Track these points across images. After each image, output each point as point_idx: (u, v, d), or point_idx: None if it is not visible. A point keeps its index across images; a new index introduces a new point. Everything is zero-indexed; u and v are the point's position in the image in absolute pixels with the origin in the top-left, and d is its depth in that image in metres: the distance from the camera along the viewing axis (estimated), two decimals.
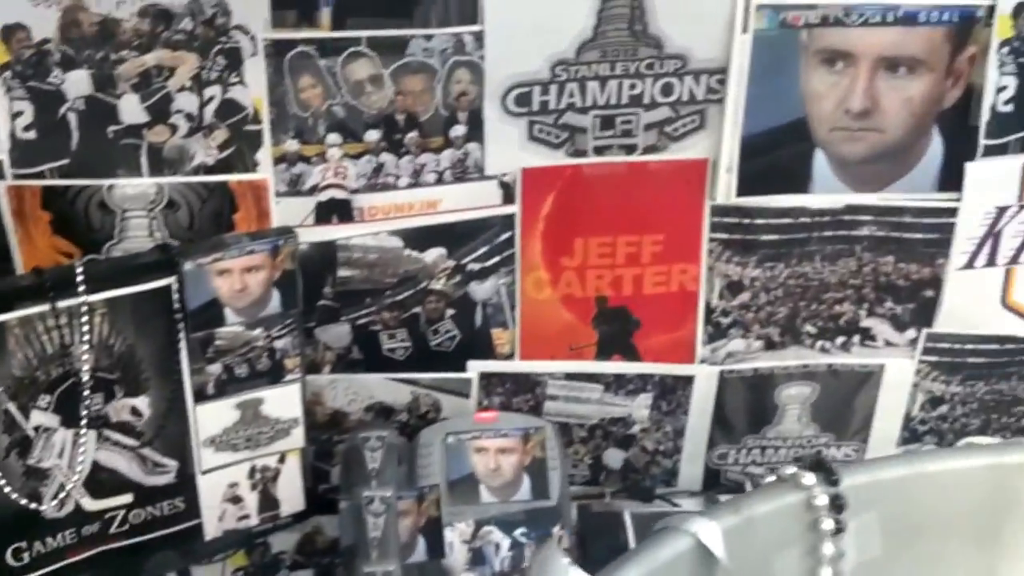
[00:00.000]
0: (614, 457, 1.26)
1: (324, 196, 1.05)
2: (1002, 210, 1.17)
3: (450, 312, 1.14)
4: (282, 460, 1.07)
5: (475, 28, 1.00)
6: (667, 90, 1.08)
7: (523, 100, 1.05)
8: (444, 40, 1.00)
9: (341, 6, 0.97)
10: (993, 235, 1.18)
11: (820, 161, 1.13)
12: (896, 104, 1.11)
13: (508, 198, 1.10)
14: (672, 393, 1.22)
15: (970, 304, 1.21)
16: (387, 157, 1.04)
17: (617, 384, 1.20)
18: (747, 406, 1.25)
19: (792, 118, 1.10)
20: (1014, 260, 1.20)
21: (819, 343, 1.22)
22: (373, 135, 1.03)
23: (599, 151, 1.10)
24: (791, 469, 0.82)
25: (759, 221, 1.15)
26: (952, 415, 1.27)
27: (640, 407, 1.22)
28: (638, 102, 1.08)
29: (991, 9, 1.07)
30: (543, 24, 1.02)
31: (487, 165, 1.07)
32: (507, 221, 1.11)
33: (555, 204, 1.11)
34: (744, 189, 1.13)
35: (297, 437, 1.06)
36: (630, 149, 1.10)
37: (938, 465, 0.89)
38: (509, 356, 1.18)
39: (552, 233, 1.13)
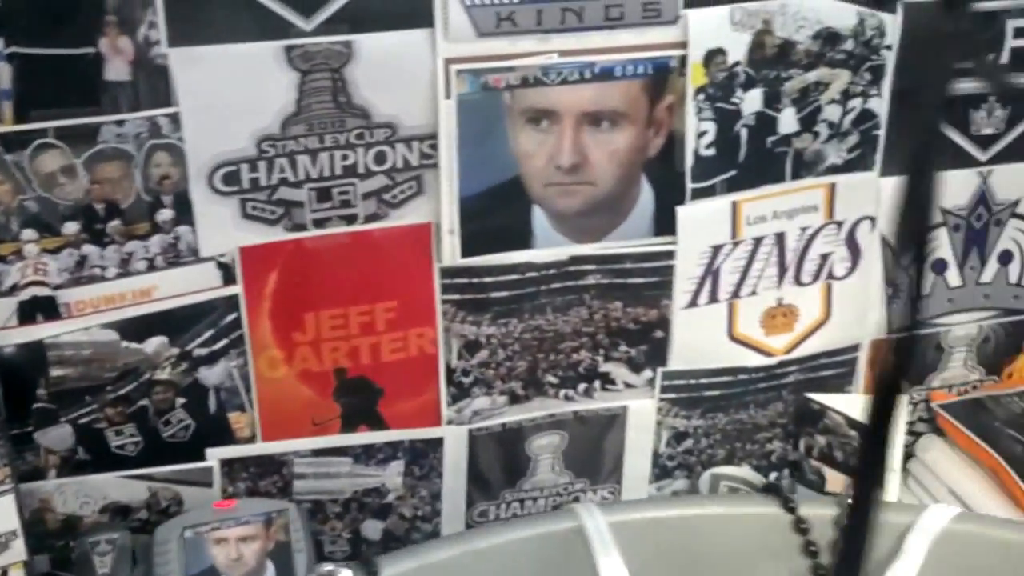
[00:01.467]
0: (372, 528, 1.24)
1: (26, 294, 1.00)
2: (717, 248, 1.22)
3: (181, 401, 1.10)
4: (4, 574, 1.01)
5: (170, 110, 0.99)
6: (380, 158, 1.08)
7: (231, 179, 1.04)
8: (138, 124, 0.98)
9: (23, 98, 0.94)
10: (712, 273, 1.23)
11: (539, 216, 1.16)
12: (604, 157, 1.15)
13: (229, 279, 1.08)
14: (424, 457, 1.21)
15: (699, 340, 1.26)
16: (90, 248, 1.01)
17: (367, 455, 1.19)
18: (500, 461, 1.26)
19: (507, 177, 1.13)
20: (735, 295, 1.26)
21: (562, 392, 1.24)
22: (71, 227, 0.99)
23: (319, 224, 1.09)
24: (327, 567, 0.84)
25: (488, 279, 1.17)
26: (698, 448, 1.32)
27: (393, 475, 1.22)
28: (353, 172, 1.08)
29: (683, 59, 1.13)
30: (243, 101, 1.01)
31: (201, 247, 1.05)
32: (230, 302, 1.09)
33: (279, 280, 1.10)
34: (470, 249, 1.14)
35: (18, 550, 1.00)
36: (351, 219, 1.10)
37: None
38: (250, 439, 1.15)
39: (280, 310, 1.11)
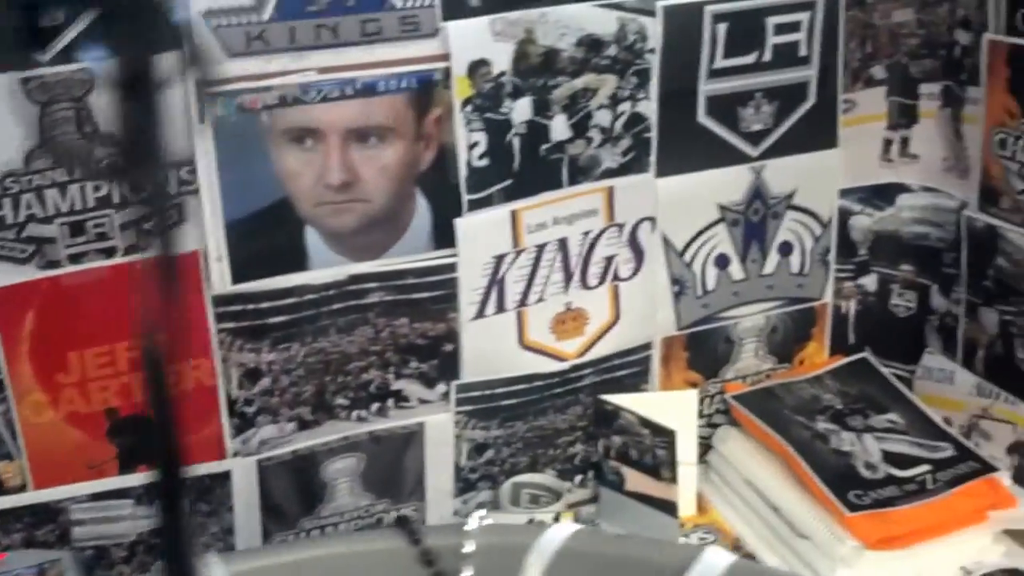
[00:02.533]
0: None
1: None
2: (500, 258, 1.22)
3: None
4: None
5: None
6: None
7: None
8: None
9: None
10: (497, 283, 1.23)
11: (313, 237, 1.13)
12: (374, 173, 1.13)
13: None
14: (210, 493, 1.18)
15: (490, 351, 1.26)
16: None
17: (148, 495, 1.15)
18: (295, 490, 1.23)
19: (274, 199, 1.10)
20: (523, 303, 1.26)
21: (355, 413, 1.22)
22: None
23: (75, 259, 1.05)
24: None
25: (265, 305, 1.14)
26: (499, 458, 1.31)
27: None
28: (107, 203, 1.04)
29: (447, 72, 1.13)
30: None
31: None
32: None
33: (37, 321, 1.05)
34: (241, 275, 1.11)
35: None
36: (109, 252, 1.06)
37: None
38: (21, 488, 1.10)
39: (40, 351, 1.06)
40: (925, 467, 1.27)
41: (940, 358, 1.40)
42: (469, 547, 0.86)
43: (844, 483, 1.24)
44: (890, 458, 1.29)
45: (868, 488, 1.24)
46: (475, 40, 1.13)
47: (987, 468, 1.27)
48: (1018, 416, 1.29)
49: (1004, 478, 1.27)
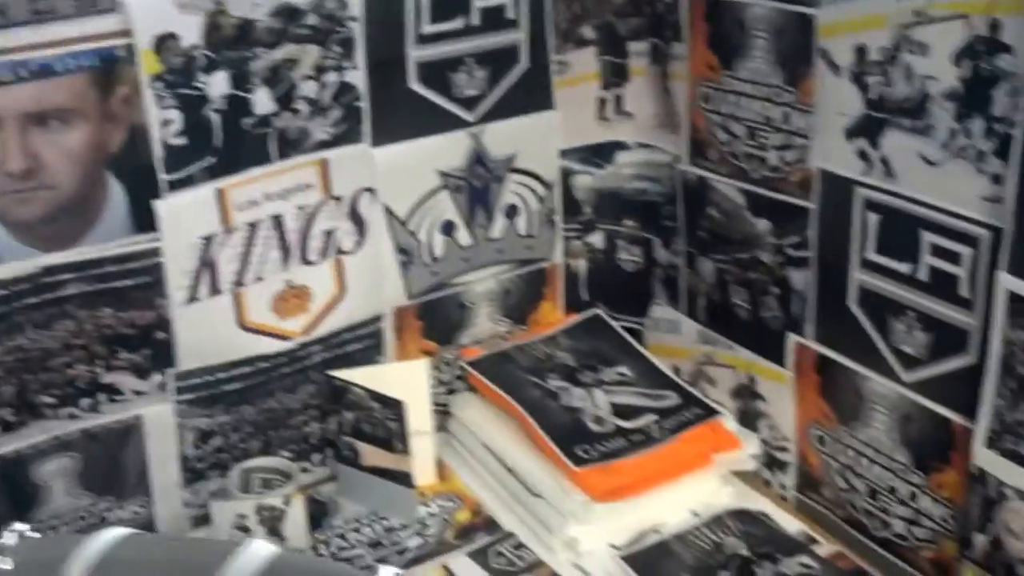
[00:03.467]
0: None
1: None
2: (208, 239, 1.18)
3: None
4: None
5: None
6: None
7: None
8: None
9: None
10: (208, 265, 1.19)
11: None
12: (59, 158, 1.07)
13: None
14: None
15: (208, 335, 1.21)
16: None
17: None
18: (5, 495, 1.16)
19: None
20: (239, 283, 1.22)
21: (64, 411, 1.15)
22: None
23: None
24: None
25: None
26: (229, 444, 1.27)
27: None
28: None
29: (130, 47, 1.07)
30: None
31: None
32: None
33: None
34: None
35: None
36: None
37: None
38: None
39: None
40: (651, 416, 1.31)
41: (666, 309, 1.45)
42: (6, 564, 0.80)
43: (573, 439, 1.27)
44: (618, 410, 1.32)
45: (596, 442, 1.27)
46: (158, 13, 1.07)
47: (710, 413, 1.32)
48: (738, 360, 1.34)
49: (728, 421, 1.32)
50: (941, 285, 1.06)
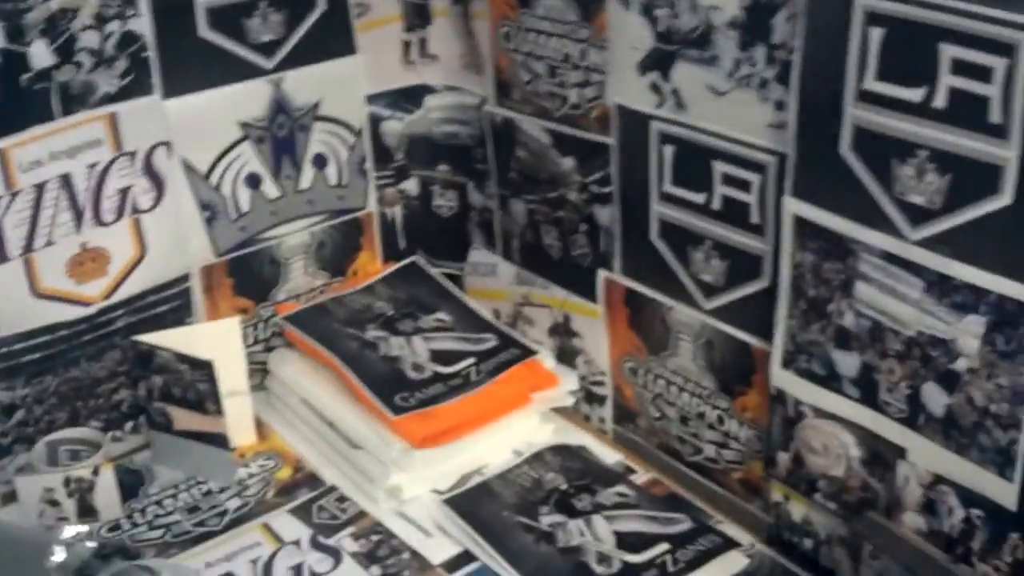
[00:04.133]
0: None
1: None
2: None
3: None
4: None
5: None
6: None
7: None
8: None
9: None
10: None
11: None
12: None
13: None
14: None
15: None
16: None
17: None
18: None
19: None
20: (28, 249, 1.16)
21: None
22: None
23: None
24: None
25: None
26: (33, 417, 1.22)
27: None
28: None
29: None
30: None
31: None
32: None
33: None
34: None
35: None
36: None
37: None
38: None
39: None
40: (470, 360, 1.31)
41: (484, 252, 1.44)
42: None
43: (391, 388, 1.26)
44: (437, 356, 1.31)
45: (414, 389, 1.26)
46: None
47: (528, 353, 1.32)
48: (553, 299, 1.35)
49: (546, 360, 1.33)
50: (734, 213, 1.08)
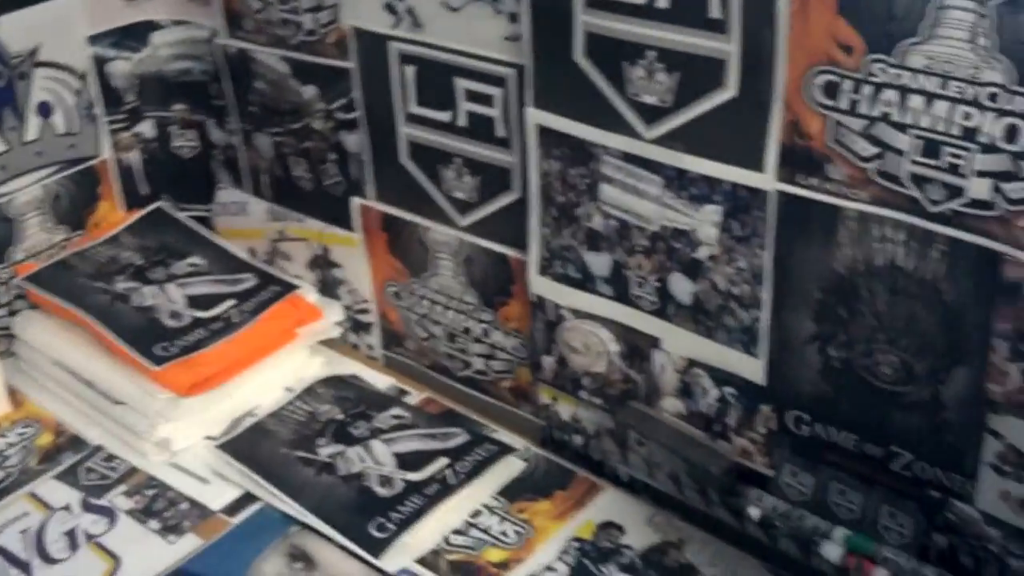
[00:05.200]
0: None
1: None
2: None
3: None
4: None
5: None
6: None
7: None
8: None
9: None
10: None
11: None
12: None
13: None
14: None
15: None
16: None
17: None
18: None
19: None
20: None
21: None
22: None
23: None
24: None
25: None
26: None
27: None
28: None
29: None
30: None
31: None
32: None
33: None
34: None
35: None
36: None
37: None
38: None
39: None
40: (230, 302, 1.28)
41: (232, 191, 1.40)
42: None
43: (149, 339, 1.21)
44: (195, 302, 1.27)
45: (174, 337, 1.22)
46: None
47: (288, 288, 1.30)
48: (310, 232, 1.33)
49: (308, 294, 1.32)
50: (480, 128, 1.09)
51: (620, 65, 0.93)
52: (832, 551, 0.95)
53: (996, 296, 0.82)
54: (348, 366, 1.32)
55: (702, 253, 0.96)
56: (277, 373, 1.28)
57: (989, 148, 0.78)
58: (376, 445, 1.18)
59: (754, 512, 0.99)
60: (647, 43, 0.91)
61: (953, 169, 0.80)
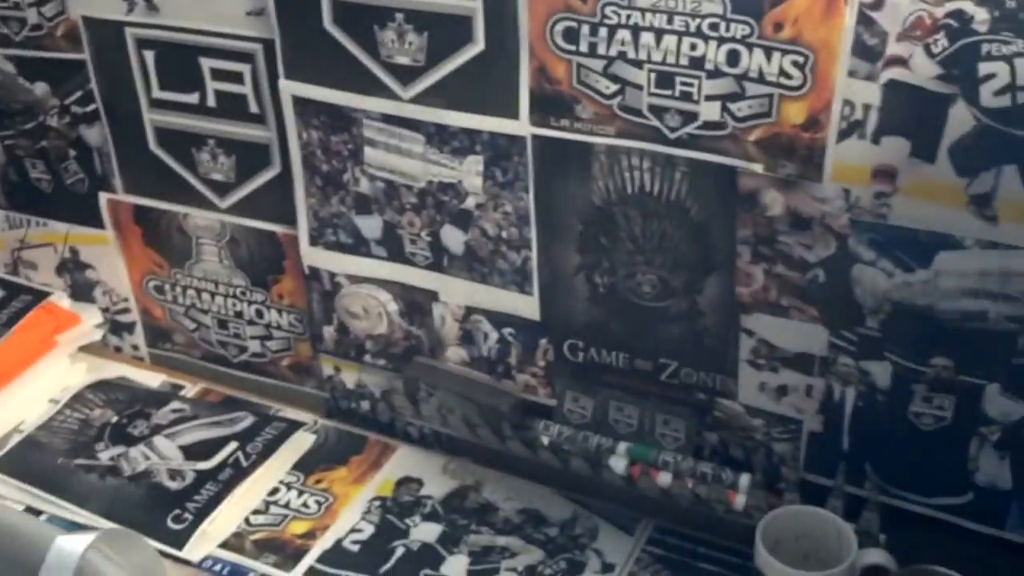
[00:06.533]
0: None
1: None
2: None
3: None
4: None
5: None
6: None
7: None
8: None
9: None
10: None
11: None
12: None
13: None
14: None
15: None
16: None
17: None
18: None
19: None
20: None
21: None
22: None
23: None
24: None
25: None
26: None
27: None
28: None
29: None
30: None
31: None
32: None
33: None
34: None
35: None
36: None
37: None
38: None
39: None
40: None
41: None
42: None
43: None
44: None
45: None
46: None
47: (39, 296, 1.25)
48: (55, 236, 1.27)
49: (61, 300, 1.27)
50: (231, 107, 1.09)
51: (371, 29, 0.96)
52: (618, 464, 1.03)
53: (736, 207, 0.91)
54: (114, 368, 1.28)
55: (469, 203, 1.01)
56: (39, 385, 1.23)
57: (714, 74, 0.87)
58: (159, 441, 1.16)
59: (544, 440, 1.06)
60: (395, 6, 0.94)
61: (686, 96, 0.88)
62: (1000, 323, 0.87)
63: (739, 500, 0.98)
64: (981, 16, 0.77)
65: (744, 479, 0.99)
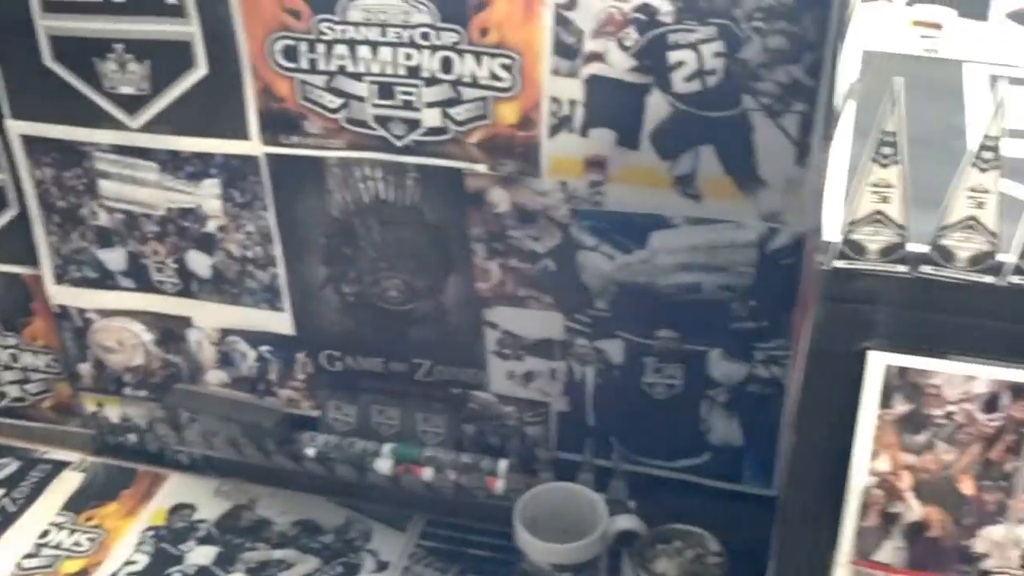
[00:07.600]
0: None
1: None
2: None
3: None
4: None
5: None
6: None
7: None
8: None
9: None
10: None
11: None
12: None
13: None
14: None
15: None
16: None
17: None
18: None
19: None
20: None
21: None
22: None
23: None
24: None
25: None
26: None
27: None
28: None
29: None
30: None
31: None
32: None
33: None
34: None
35: None
36: None
37: None
38: None
39: None
40: None
41: None
42: None
43: None
44: None
45: None
46: None
47: None
48: None
49: None
50: None
51: (91, 62, 0.96)
52: (383, 465, 1.06)
53: (466, 207, 0.96)
54: None
55: (211, 226, 1.02)
56: None
57: (432, 81, 0.91)
58: None
59: (310, 451, 1.08)
60: (113, 37, 0.95)
61: (407, 105, 0.92)
62: (714, 292, 0.94)
63: (499, 485, 1.03)
64: (666, 8, 0.84)
65: (502, 464, 1.04)
